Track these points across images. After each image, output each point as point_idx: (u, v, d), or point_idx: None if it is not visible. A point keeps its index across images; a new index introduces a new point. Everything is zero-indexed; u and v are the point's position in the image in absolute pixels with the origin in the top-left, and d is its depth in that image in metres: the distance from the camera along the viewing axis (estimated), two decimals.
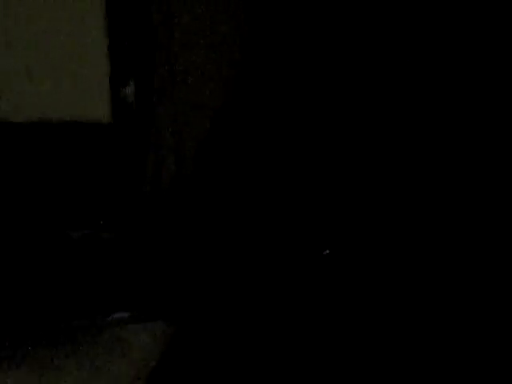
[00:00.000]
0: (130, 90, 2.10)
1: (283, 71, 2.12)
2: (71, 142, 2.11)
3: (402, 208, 2.07)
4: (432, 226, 2.05)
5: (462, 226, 2.04)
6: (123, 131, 2.10)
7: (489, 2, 2.04)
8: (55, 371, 1.84)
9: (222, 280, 2.04)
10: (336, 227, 2.08)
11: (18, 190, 2.09)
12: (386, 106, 2.09)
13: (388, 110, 2.09)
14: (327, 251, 2.02)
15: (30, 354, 1.87)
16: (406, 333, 1.98)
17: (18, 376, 1.83)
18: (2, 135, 2.09)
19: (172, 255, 2.07)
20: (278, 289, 2.03)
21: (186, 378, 1.91)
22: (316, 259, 2.05)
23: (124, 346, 1.92)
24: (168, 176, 2.11)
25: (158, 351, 1.95)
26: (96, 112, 2.11)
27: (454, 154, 2.06)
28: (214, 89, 2.11)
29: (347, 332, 1.98)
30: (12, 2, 2.07)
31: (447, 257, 2.03)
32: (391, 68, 2.07)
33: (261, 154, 2.11)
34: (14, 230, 2.07)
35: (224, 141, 2.11)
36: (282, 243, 2.07)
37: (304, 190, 2.10)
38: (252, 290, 2.03)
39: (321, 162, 2.11)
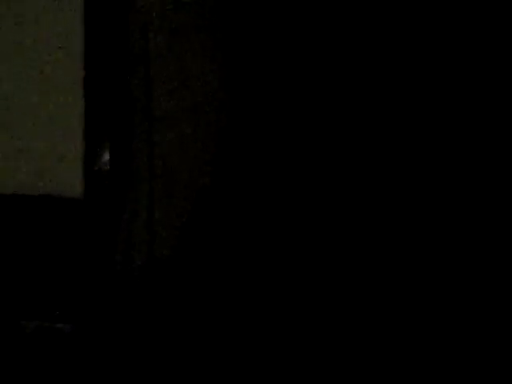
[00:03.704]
0: (104, 161, 2.01)
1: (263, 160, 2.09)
2: (37, 217, 1.99)
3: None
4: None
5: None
6: (95, 207, 1.99)
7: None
8: None
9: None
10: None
11: None
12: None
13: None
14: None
15: None
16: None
17: None
18: None
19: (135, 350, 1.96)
20: None
21: None
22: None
23: None
24: (140, 258, 2.00)
25: None
26: (68, 186, 2.01)
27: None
28: (192, 165, 2.04)
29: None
30: None
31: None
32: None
33: (239, 237, 2.04)
34: None
35: (200, 222, 2.03)
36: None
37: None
38: None
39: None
